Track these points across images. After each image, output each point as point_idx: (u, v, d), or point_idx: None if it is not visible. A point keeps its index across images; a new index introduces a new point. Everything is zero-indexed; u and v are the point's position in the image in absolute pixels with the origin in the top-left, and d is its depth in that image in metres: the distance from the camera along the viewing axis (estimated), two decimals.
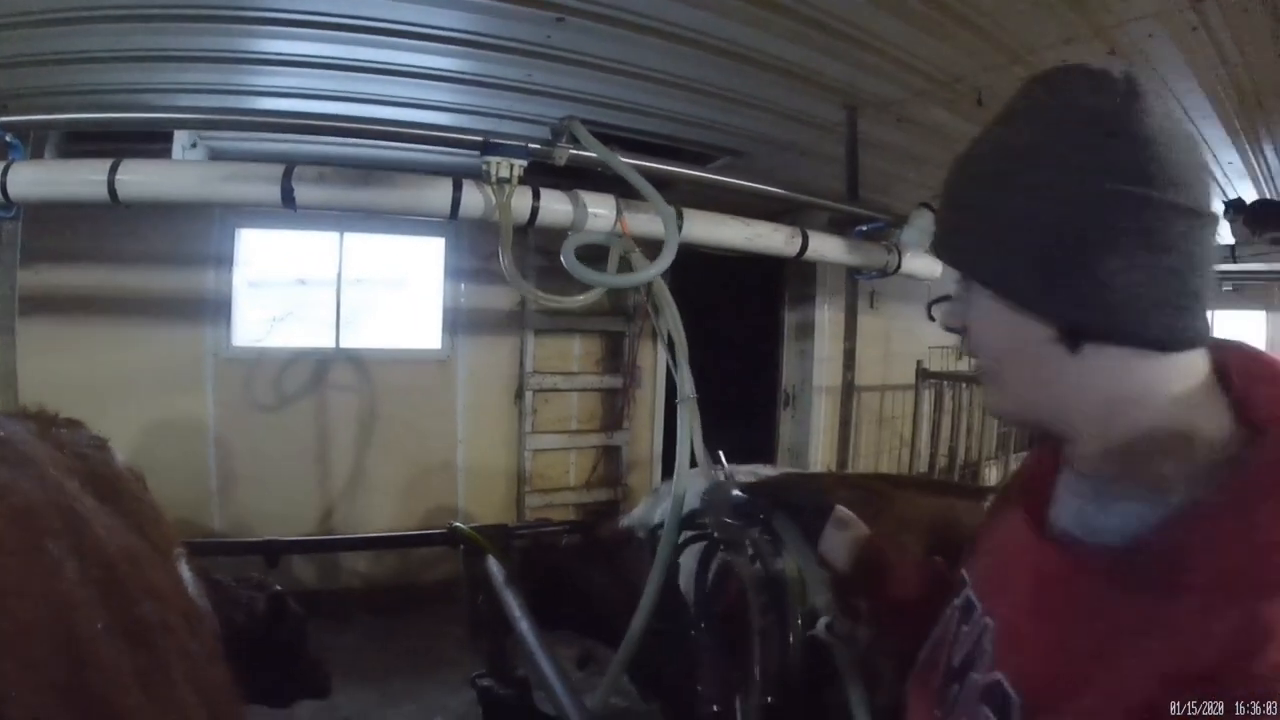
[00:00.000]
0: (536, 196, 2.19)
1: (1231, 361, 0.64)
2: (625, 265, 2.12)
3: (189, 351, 4.27)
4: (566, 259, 1.90)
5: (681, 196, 2.60)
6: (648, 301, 1.97)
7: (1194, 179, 0.62)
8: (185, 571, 1.32)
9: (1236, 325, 7.16)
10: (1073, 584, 0.61)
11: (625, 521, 2.68)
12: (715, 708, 1.34)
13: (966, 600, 0.77)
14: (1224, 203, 4.65)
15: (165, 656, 0.91)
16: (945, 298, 0.77)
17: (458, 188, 2.12)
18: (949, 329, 0.75)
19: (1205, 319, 0.63)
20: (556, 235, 2.16)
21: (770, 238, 2.70)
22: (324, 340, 4.61)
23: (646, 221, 2.25)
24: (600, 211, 2.24)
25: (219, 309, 4.34)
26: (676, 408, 1.89)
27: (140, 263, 4.09)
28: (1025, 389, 0.70)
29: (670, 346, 1.94)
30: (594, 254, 2.06)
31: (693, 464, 1.84)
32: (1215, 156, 3.98)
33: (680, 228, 2.24)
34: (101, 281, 4.02)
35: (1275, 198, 4.54)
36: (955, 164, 0.73)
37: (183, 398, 4.23)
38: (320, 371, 4.56)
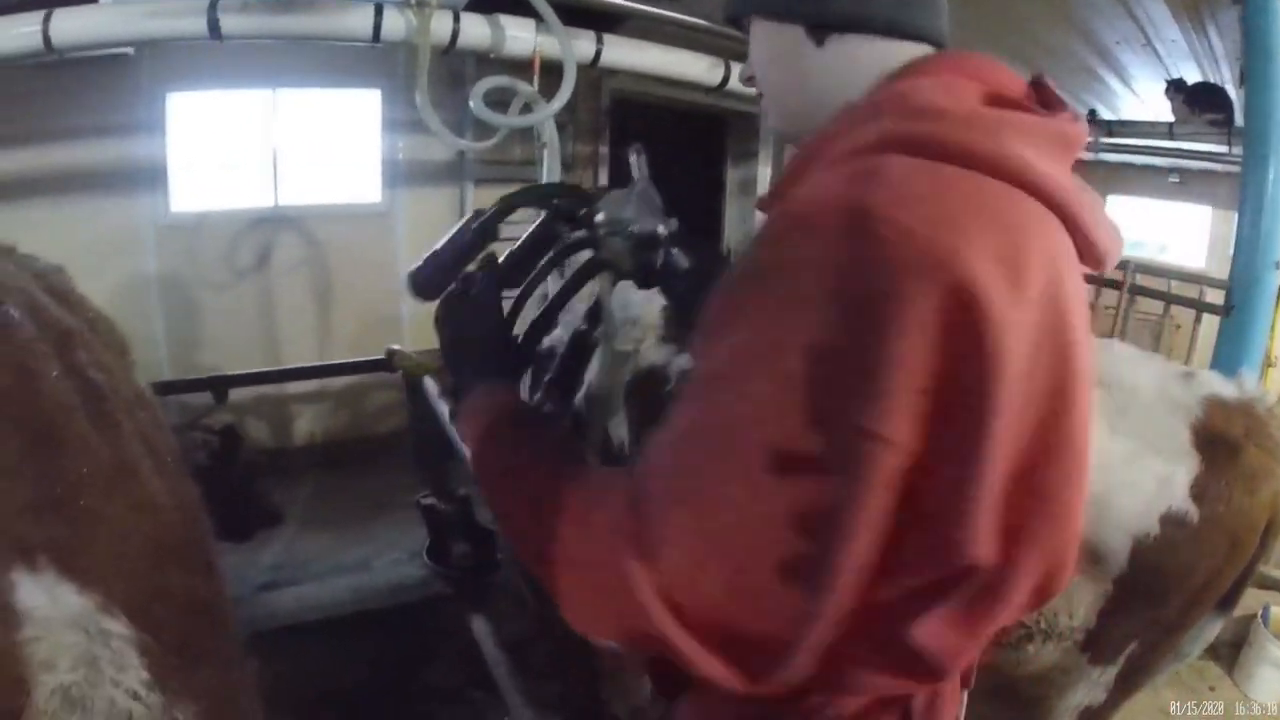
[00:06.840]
0: (456, 19, 2.20)
1: (936, 65, 0.74)
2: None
3: (128, 221, 4.20)
4: (474, 103, 2.07)
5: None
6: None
7: None
8: (138, 377, 1.41)
9: (1183, 220, 7.04)
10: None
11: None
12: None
13: None
14: (1165, 81, 4.75)
15: (113, 412, 1.02)
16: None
17: (379, 13, 2.14)
18: (747, 81, 0.87)
19: (927, 18, 0.77)
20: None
21: (692, 65, 2.73)
22: (263, 200, 4.56)
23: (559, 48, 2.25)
24: (518, 35, 2.27)
25: (155, 177, 4.24)
26: None
27: (70, 138, 3.94)
28: (787, 92, 0.83)
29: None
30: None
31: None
32: (1158, 33, 4.01)
33: (599, 54, 2.31)
34: (31, 163, 3.87)
35: (1216, 80, 4.62)
36: None
37: (126, 267, 4.17)
38: (261, 231, 4.53)
